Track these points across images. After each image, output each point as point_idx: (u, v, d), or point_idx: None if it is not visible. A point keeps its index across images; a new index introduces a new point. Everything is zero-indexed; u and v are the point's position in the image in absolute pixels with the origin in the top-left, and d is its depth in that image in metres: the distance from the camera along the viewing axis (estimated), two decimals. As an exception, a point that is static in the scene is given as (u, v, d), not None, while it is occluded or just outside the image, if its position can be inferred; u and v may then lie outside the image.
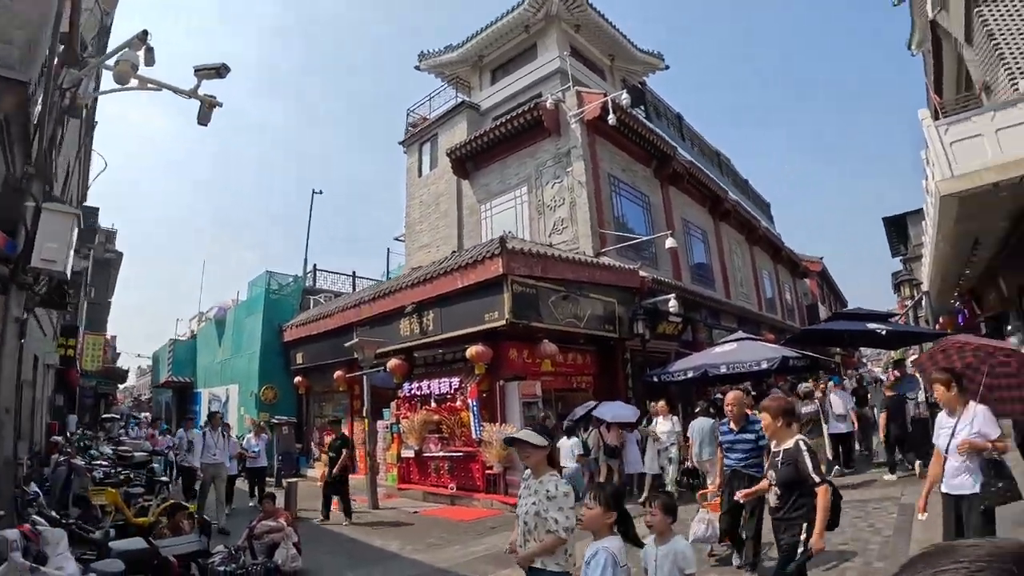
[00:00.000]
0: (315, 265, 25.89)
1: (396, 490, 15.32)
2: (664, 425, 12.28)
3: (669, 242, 16.16)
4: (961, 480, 5.17)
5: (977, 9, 15.03)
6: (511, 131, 19.02)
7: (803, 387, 13.88)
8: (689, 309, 19.18)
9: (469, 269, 12.81)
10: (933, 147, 12.71)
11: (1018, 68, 14.16)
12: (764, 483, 5.38)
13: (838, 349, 31.74)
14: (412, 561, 9.24)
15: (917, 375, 16.45)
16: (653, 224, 19.90)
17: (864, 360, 59.03)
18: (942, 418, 5.49)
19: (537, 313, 12.71)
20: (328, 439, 14.14)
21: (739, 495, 5.94)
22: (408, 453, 15.22)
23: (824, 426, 12.87)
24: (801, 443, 4.90)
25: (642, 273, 16.10)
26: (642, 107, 23.48)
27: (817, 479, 4.70)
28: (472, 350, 12.88)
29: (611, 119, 16.49)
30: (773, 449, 5.21)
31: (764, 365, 12.56)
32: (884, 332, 12.63)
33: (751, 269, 30.30)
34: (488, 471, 13.12)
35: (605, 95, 17.52)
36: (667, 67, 26.27)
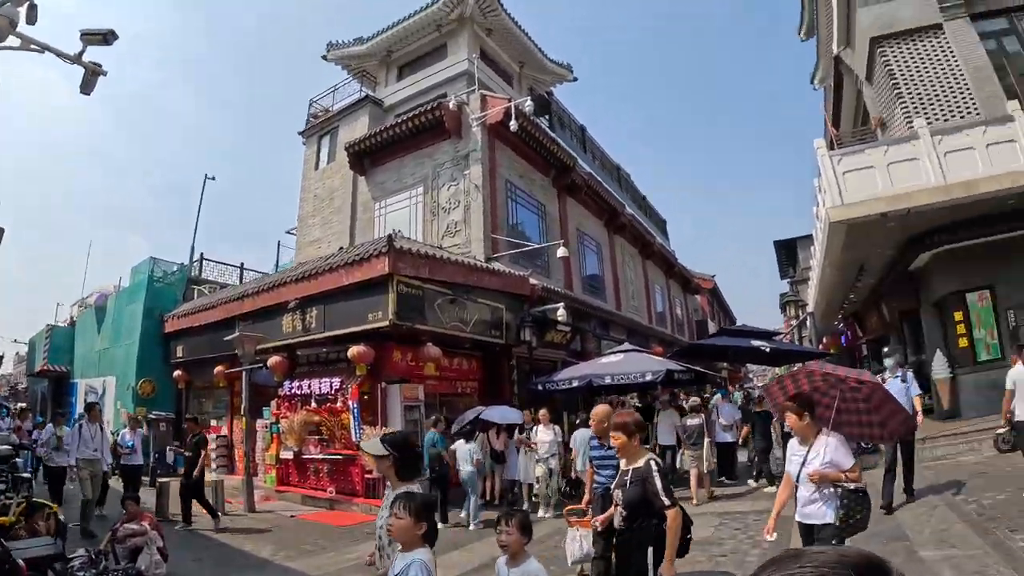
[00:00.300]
0: (202, 254, 24.92)
1: (274, 492, 14.85)
2: (545, 434, 12.21)
3: (561, 251, 16.29)
4: (814, 509, 5.07)
5: (880, 49, 15.77)
6: (411, 129, 18.81)
7: (692, 401, 14.05)
8: (578, 319, 19.39)
9: (355, 267, 12.51)
10: (826, 175, 13.28)
11: (914, 107, 14.88)
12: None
13: (725, 364, 32.78)
14: (283, 568, 8.96)
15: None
16: (548, 233, 20.03)
17: (751, 376, 61.10)
18: (794, 444, 5.40)
19: (422, 315, 12.54)
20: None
21: (595, 521, 5.67)
22: (287, 454, 14.71)
23: (706, 439, 13.13)
24: (652, 463, 4.67)
25: (532, 281, 16.13)
26: (547, 117, 23.65)
27: (667, 502, 4.47)
28: (354, 350, 12.57)
29: (513, 125, 16.53)
30: (622, 467, 4.97)
31: (649, 377, 12.79)
32: (768, 349, 13.05)
33: (643, 283, 30.94)
34: (367, 475, 12.76)
35: (509, 100, 17.55)
36: (575, 79, 26.63)
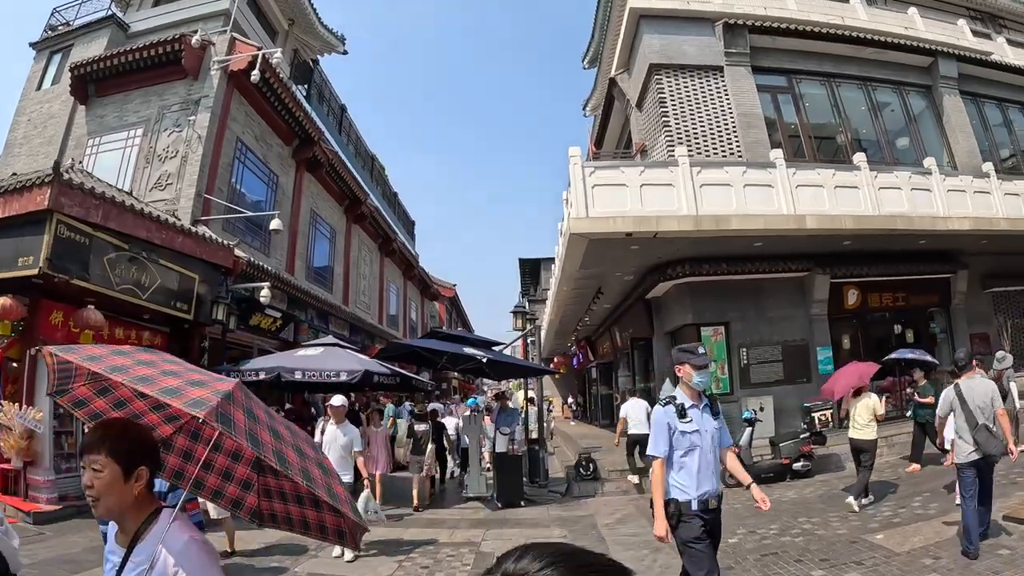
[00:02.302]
0: None
1: None
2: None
3: (275, 223, 14.51)
4: None
5: (657, 76, 16.04)
6: (146, 60, 16.07)
7: (433, 406, 14.73)
8: (294, 306, 17.84)
9: (12, 196, 10.01)
10: (575, 186, 12.95)
11: (678, 138, 15.18)
12: None
13: (456, 373, 32.34)
14: None
15: (520, 410, 16.78)
16: (278, 207, 18.29)
17: (485, 388, 61.18)
18: None
19: (85, 269, 10.20)
20: None
21: None
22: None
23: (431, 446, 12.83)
24: None
25: (239, 253, 14.18)
26: (306, 86, 21.96)
27: None
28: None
29: (255, 75, 14.86)
30: None
31: (344, 377, 11.39)
32: (484, 359, 12.19)
33: (379, 280, 29.81)
34: (3, 465, 10.12)
35: (260, 49, 15.74)
36: (346, 52, 25.05)
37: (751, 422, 12.36)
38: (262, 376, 11.61)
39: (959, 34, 19.50)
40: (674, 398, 4.75)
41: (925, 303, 17.17)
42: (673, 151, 14.26)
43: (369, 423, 12.33)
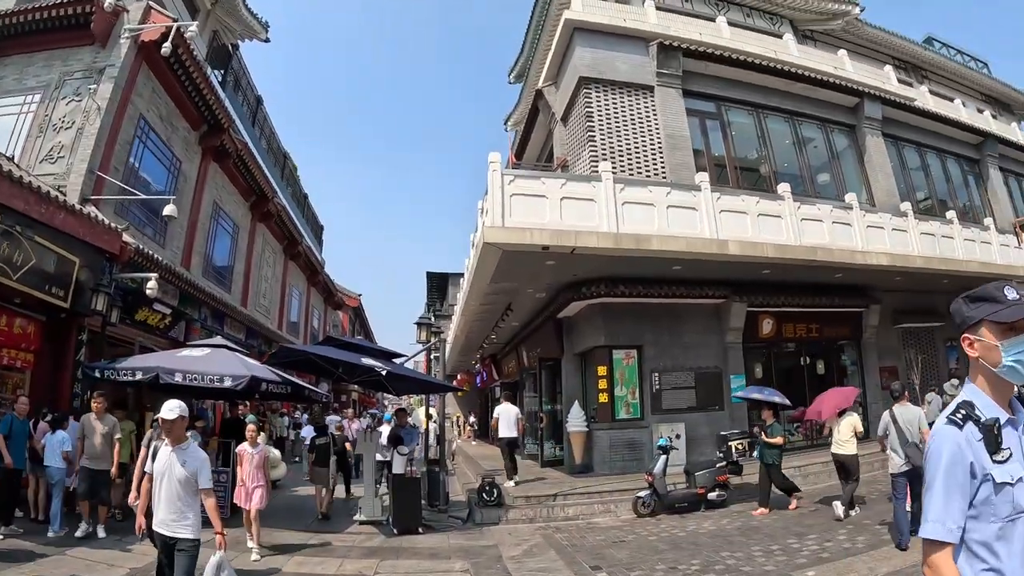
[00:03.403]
0: None
1: None
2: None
3: (169, 208, 13.09)
4: None
5: (586, 90, 15.73)
6: (52, 20, 14.42)
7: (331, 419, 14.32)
8: (186, 304, 16.52)
9: None
10: (492, 194, 12.35)
11: (603, 154, 14.83)
12: None
13: (356, 386, 31.02)
14: None
15: (420, 428, 15.87)
16: (178, 194, 16.96)
17: (387, 403, 59.47)
18: None
19: None
20: None
21: None
22: None
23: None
24: None
25: (127, 239, 12.75)
26: (222, 71, 20.75)
27: None
28: None
29: (166, 48, 13.62)
30: None
31: (228, 383, 10.07)
32: (384, 372, 11.11)
33: (281, 284, 28.49)
34: None
35: (175, 21, 14.56)
36: (267, 40, 23.81)
37: (666, 449, 11.99)
38: (139, 376, 10.38)
39: (885, 78, 20.10)
40: (971, 406, 2.10)
41: (837, 335, 17.54)
42: (596, 167, 13.93)
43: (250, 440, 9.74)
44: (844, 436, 10.44)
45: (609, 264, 13.53)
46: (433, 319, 19.17)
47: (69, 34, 14.75)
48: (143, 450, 7.72)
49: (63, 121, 13.97)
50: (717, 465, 12.13)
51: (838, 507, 10.08)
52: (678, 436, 14.04)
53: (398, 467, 12.11)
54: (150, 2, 15.24)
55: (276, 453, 12.58)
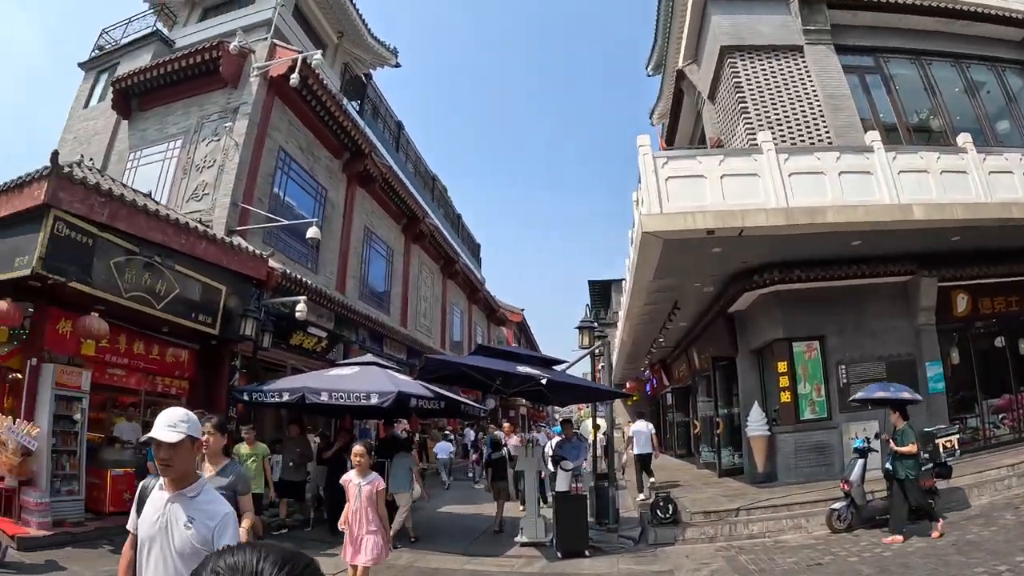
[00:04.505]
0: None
1: None
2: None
3: (311, 231, 13.35)
4: None
5: (731, 59, 14.76)
6: (185, 70, 15.70)
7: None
8: (343, 326, 16.80)
9: (13, 194, 9.13)
10: (646, 179, 11.31)
11: (759, 124, 13.60)
12: None
13: (524, 400, 30.59)
14: None
15: (588, 439, 15.12)
16: (327, 222, 17.40)
17: (556, 415, 58.20)
18: None
19: (87, 272, 9.20)
20: None
21: None
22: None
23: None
24: None
25: (273, 264, 13.11)
26: (359, 102, 21.20)
27: None
28: None
29: (294, 79, 13.98)
30: None
31: (374, 400, 9.80)
32: (545, 381, 10.33)
33: (441, 303, 28.78)
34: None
35: (299, 52, 14.94)
36: (398, 65, 24.18)
37: (863, 452, 10.16)
38: (286, 397, 10.38)
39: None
40: None
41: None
42: (755, 139, 12.65)
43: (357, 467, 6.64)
44: None
45: (780, 246, 12.13)
46: (596, 323, 18.30)
47: (202, 81, 15.78)
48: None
49: (205, 161, 14.77)
50: (923, 468, 9.91)
51: None
52: (877, 436, 11.79)
53: (562, 484, 10.79)
54: (274, 40, 15.79)
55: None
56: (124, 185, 12.17)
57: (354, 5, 21.25)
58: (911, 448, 9.37)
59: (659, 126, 25.25)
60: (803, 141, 13.66)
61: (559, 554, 9.79)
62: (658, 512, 11.08)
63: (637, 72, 40.27)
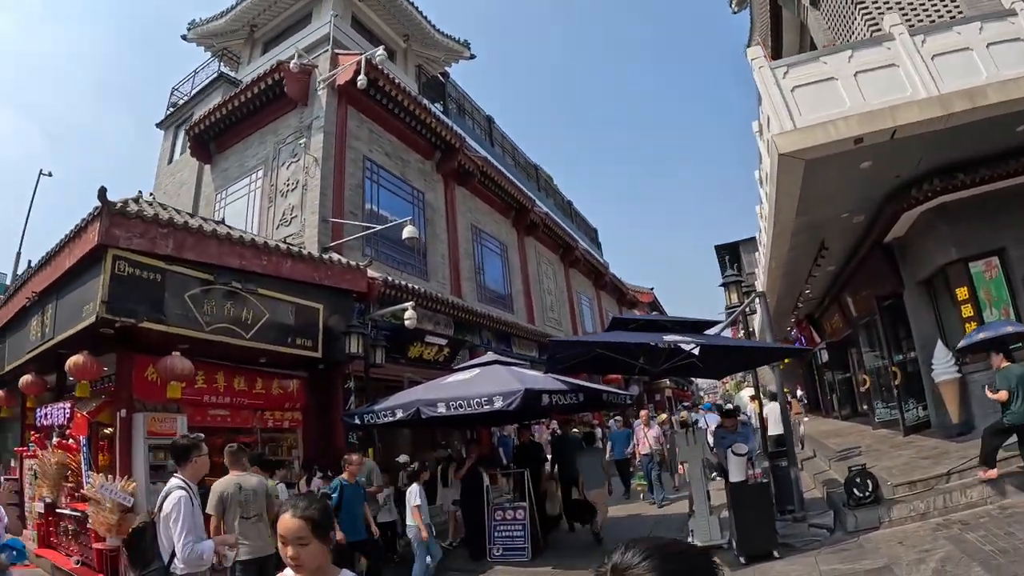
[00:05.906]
0: (29, 261, 20.93)
1: (35, 556, 10.81)
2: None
3: (408, 230, 12.17)
4: None
5: None
6: (252, 102, 15.38)
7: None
8: (464, 331, 15.76)
9: (75, 243, 8.54)
10: (769, 95, 9.52)
11: (878, 11, 11.47)
12: None
13: (668, 381, 28.52)
14: None
15: (755, 423, 13.37)
16: (429, 225, 16.48)
17: (702, 393, 54.29)
18: None
19: (159, 310, 8.49)
20: None
21: None
22: (41, 506, 10.81)
23: None
24: None
25: (372, 274, 12.14)
26: (440, 102, 20.25)
27: None
28: (70, 362, 8.50)
29: (361, 80, 13.04)
30: None
31: (498, 404, 8.33)
32: (695, 348, 8.75)
33: (567, 293, 27.49)
34: (98, 544, 8.59)
35: (360, 54, 14.07)
36: (472, 56, 22.98)
37: None
38: (399, 415, 9.21)
39: None
40: None
41: None
42: (878, 29, 10.63)
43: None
44: None
45: (936, 146, 9.83)
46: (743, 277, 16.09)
47: (272, 108, 15.41)
48: None
49: (287, 184, 14.24)
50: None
51: None
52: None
53: (736, 472, 8.75)
54: (337, 51, 15.18)
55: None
56: (191, 214, 11.50)
57: (413, 4, 20.28)
58: (1001, 395, 7.82)
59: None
60: (933, 19, 11.46)
61: (742, 559, 8.03)
62: (855, 490, 8.87)
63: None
